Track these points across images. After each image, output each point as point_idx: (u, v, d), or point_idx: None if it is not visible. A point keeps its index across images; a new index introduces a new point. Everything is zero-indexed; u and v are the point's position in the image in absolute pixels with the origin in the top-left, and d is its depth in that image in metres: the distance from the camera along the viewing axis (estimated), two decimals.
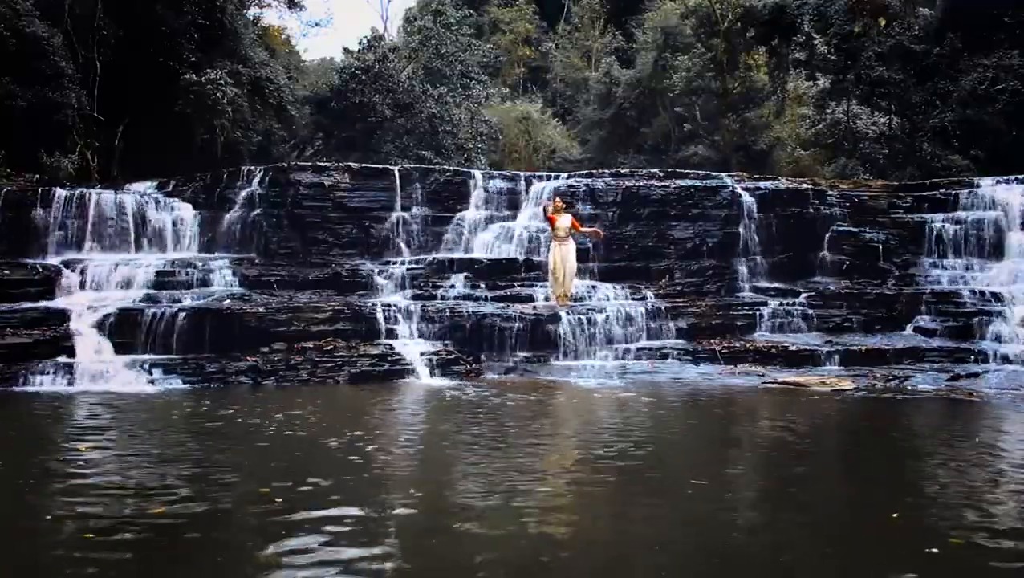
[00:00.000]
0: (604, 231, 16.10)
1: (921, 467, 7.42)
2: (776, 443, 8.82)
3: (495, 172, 20.75)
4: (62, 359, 12.12)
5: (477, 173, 18.80)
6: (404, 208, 17.40)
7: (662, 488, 6.62)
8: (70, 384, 11.65)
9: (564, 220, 15.02)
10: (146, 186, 17.63)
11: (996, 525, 5.44)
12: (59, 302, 13.66)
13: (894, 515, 5.60)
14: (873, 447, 8.76)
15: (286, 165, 18.36)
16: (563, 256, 14.99)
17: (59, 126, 18.01)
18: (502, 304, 15.09)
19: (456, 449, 8.06)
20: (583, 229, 15.44)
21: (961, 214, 17.27)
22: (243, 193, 16.93)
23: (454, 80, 28.19)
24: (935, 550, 4.90)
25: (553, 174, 19.64)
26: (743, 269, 17.22)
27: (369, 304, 14.47)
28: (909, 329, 15.56)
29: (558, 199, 15.74)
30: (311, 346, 13.29)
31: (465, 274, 15.95)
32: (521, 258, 16.59)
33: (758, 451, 8.51)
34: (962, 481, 6.68)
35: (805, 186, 18.39)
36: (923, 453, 8.21)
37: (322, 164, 18.17)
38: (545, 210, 15.57)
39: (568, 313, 14.79)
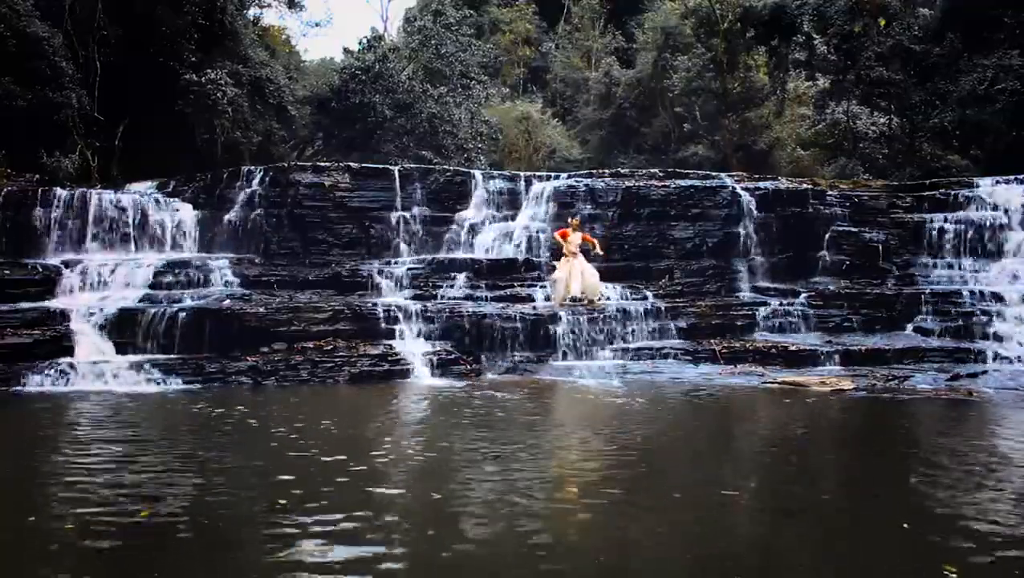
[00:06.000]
0: (605, 231, 16.13)
1: (925, 471, 7.38)
2: (777, 446, 8.81)
3: (495, 172, 20.75)
4: (62, 359, 12.12)
5: (477, 173, 18.80)
6: (404, 208, 17.40)
7: (661, 491, 6.61)
8: (70, 384, 11.65)
9: (575, 236, 15.49)
10: (146, 186, 17.63)
11: (1011, 535, 5.34)
12: (59, 302, 13.66)
13: (905, 525, 5.48)
14: (876, 449, 8.75)
15: (286, 165, 18.36)
16: (577, 269, 15.32)
17: (59, 126, 18.00)
18: (502, 304, 15.09)
19: (457, 451, 8.05)
20: (590, 237, 15.83)
21: (961, 214, 17.27)
22: (243, 193, 16.93)
23: (454, 80, 28.15)
24: (954, 574, 4.60)
25: (553, 174, 19.64)
26: (743, 269, 17.22)
27: (369, 304, 14.46)
28: (909, 329, 15.57)
29: (576, 218, 16.03)
30: (311, 346, 13.29)
31: (465, 274, 15.95)
32: (521, 258, 16.59)
33: (758, 455, 8.50)
34: (968, 485, 6.62)
35: (805, 186, 18.40)
36: (926, 455, 8.18)
37: (322, 164, 18.17)
38: (560, 233, 15.85)
39: (569, 313, 14.81)
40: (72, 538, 5.07)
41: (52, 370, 11.85)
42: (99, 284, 14.51)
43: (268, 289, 14.98)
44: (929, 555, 4.93)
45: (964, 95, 20.68)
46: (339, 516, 5.44)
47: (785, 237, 17.54)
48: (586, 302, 15.33)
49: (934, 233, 17.24)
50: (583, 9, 40.19)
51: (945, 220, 17.28)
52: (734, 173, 19.79)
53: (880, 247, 17.37)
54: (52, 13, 18.42)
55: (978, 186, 17.59)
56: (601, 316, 14.99)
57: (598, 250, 15.73)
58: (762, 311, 15.90)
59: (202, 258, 15.84)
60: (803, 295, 16.42)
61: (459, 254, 16.88)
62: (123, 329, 12.97)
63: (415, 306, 14.52)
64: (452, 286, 15.69)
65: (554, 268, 16.40)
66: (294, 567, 4.55)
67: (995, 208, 16.95)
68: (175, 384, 11.99)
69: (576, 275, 15.30)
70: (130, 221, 16.08)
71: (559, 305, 15.13)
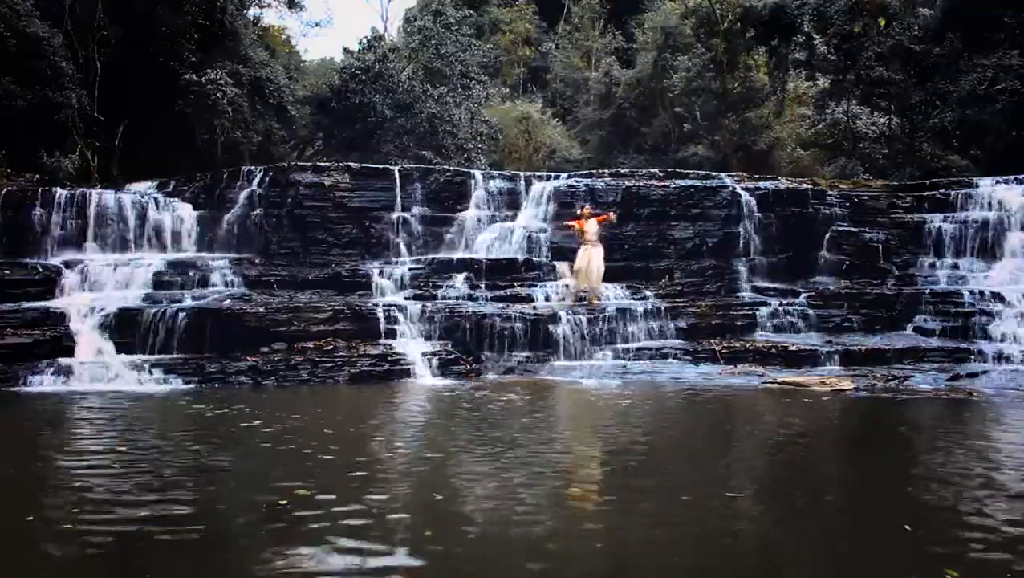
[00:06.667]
0: (605, 231, 16.08)
1: (926, 472, 7.38)
2: (777, 447, 8.81)
3: (495, 172, 20.74)
4: (62, 359, 12.11)
5: (477, 173, 18.80)
6: (404, 208, 17.40)
7: (663, 492, 6.61)
8: (70, 384, 11.64)
9: (591, 225, 15.47)
10: (146, 186, 17.63)
11: (1012, 537, 5.31)
12: (59, 302, 13.66)
13: (906, 527, 5.44)
14: (876, 450, 8.74)
15: (286, 165, 18.36)
16: (591, 257, 15.34)
17: (59, 126, 18.00)
18: (502, 304, 15.09)
19: (457, 451, 8.06)
20: (605, 217, 15.80)
21: (961, 214, 17.27)
22: (243, 193, 16.93)
23: (454, 80, 28.15)
24: (955, 577, 4.54)
25: (553, 174, 19.64)
26: (743, 269, 17.21)
27: (369, 304, 14.46)
28: (909, 329, 15.56)
29: (588, 207, 16.00)
30: (311, 346, 13.29)
31: (465, 274, 15.95)
32: (521, 258, 16.59)
33: (759, 456, 8.49)
34: (969, 486, 6.59)
35: (805, 186, 18.39)
36: (927, 456, 8.17)
37: (322, 164, 18.17)
38: (570, 224, 15.86)
39: (569, 313, 14.82)
40: (70, 538, 5.07)
41: (52, 370, 11.84)
42: (99, 284, 14.51)
43: (268, 289, 14.98)
44: (930, 557, 4.92)
45: (964, 95, 20.68)
46: (339, 517, 5.43)
47: (785, 237, 17.53)
48: (587, 301, 15.35)
49: (934, 233, 17.24)
50: (583, 9, 40.19)
51: (945, 220, 17.28)
52: (734, 173, 19.79)
53: (880, 247, 17.36)
54: (52, 13, 18.42)
55: (978, 186, 17.58)
56: (601, 316, 14.98)
57: (612, 217, 15.81)
58: (762, 311, 15.90)
59: (202, 258, 15.83)
60: (803, 295, 16.42)
61: (459, 254, 16.87)
62: (123, 329, 12.96)
63: (415, 306, 14.51)
64: (452, 286, 15.68)
65: (553, 268, 16.44)
66: (294, 568, 4.54)
67: (995, 208, 16.95)
68: (175, 384, 11.98)
69: (587, 267, 15.32)
70: (130, 221, 16.07)
71: (574, 300, 15.15)
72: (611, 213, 15.97)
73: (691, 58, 30.51)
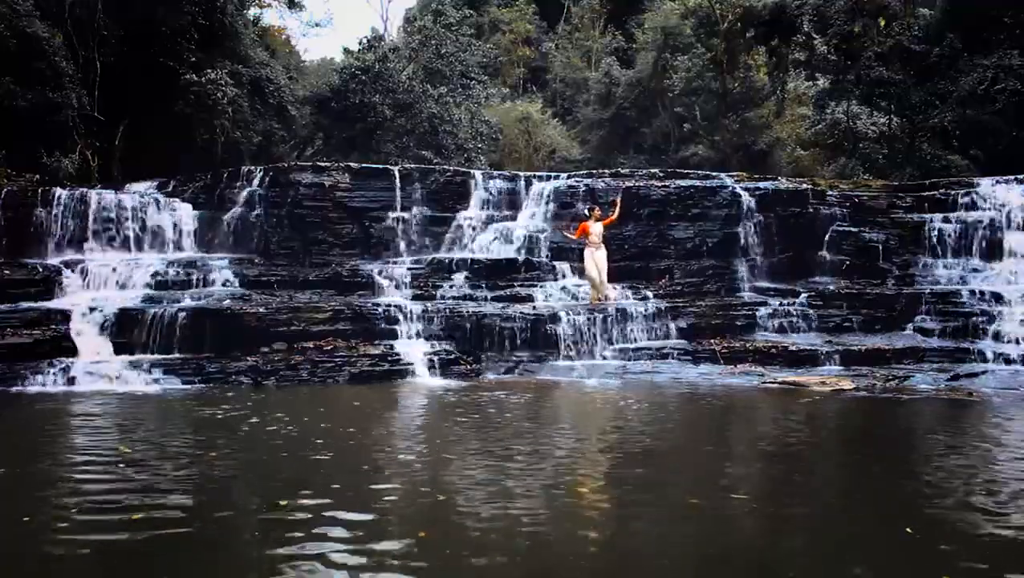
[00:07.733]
0: (605, 231, 16.06)
1: (927, 473, 7.38)
2: (777, 448, 8.80)
3: (495, 172, 20.76)
4: (62, 359, 12.11)
5: (477, 173, 18.81)
6: (404, 208, 17.42)
7: (663, 494, 6.61)
8: (70, 384, 11.64)
9: (597, 227, 15.40)
10: (146, 186, 17.64)
11: (1013, 540, 5.30)
12: (59, 302, 13.66)
13: (908, 530, 5.41)
14: (877, 451, 8.72)
15: (286, 165, 18.38)
16: (597, 260, 15.35)
17: (59, 126, 18.00)
18: (502, 304, 15.09)
19: (458, 451, 8.05)
20: (613, 216, 15.80)
21: (961, 214, 17.27)
22: (243, 193, 16.94)
23: (454, 80, 28.19)
24: None
25: (553, 174, 19.64)
26: (743, 269, 17.21)
27: (369, 304, 14.46)
28: (909, 329, 15.57)
29: (598, 209, 15.96)
30: (311, 346, 13.29)
31: (465, 274, 15.96)
32: (521, 258, 16.59)
33: (758, 456, 8.48)
34: (970, 488, 6.57)
35: (805, 186, 18.39)
36: (927, 457, 8.16)
37: (322, 164, 18.18)
38: (571, 228, 15.84)
39: (568, 313, 14.81)
40: (70, 538, 5.06)
41: (52, 370, 11.83)
42: (99, 284, 14.52)
43: (268, 289, 14.98)
44: (930, 560, 4.92)
45: (964, 95, 20.68)
46: (339, 517, 5.43)
47: (785, 237, 17.53)
48: (590, 300, 15.35)
49: (934, 233, 17.23)
50: (583, 9, 40.26)
51: (945, 220, 17.27)
52: (734, 173, 19.79)
53: (880, 247, 17.36)
54: (52, 13, 18.43)
55: (978, 186, 17.59)
56: (601, 316, 14.98)
57: (617, 200, 15.91)
58: (762, 311, 15.90)
59: (202, 258, 15.85)
60: (803, 295, 16.41)
61: (459, 254, 16.88)
62: (123, 329, 12.97)
63: (415, 306, 14.51)
64: (452, 286, 15.69)
65: (553, 268, 16.42)
66: (293, 569, 4.54)
67: (995, 208, 16.95)
68: (175, 384, 11.98)
69: (595, 270, 15.33)
70: (130, 221, 16.09)
71: (594, 302, 15.16)
72: (616, 197, 15.98)
73: (691, 58, 30.54)
